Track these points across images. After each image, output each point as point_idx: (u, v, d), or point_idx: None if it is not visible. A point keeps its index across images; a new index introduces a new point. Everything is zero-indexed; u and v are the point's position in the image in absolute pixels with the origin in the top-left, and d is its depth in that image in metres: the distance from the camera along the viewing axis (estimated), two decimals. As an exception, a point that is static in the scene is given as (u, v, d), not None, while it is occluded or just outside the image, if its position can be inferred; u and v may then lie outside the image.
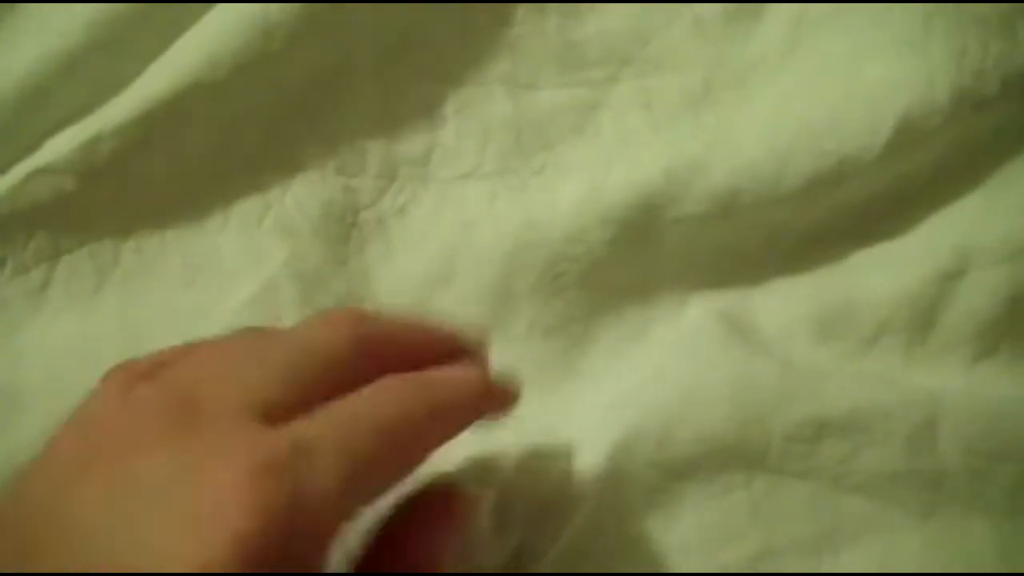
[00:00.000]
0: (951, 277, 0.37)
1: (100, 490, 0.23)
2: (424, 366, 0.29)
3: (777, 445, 0.34)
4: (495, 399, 0.31)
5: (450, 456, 0.36)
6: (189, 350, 0.28)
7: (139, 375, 0.26)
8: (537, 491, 0.35)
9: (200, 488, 0.23)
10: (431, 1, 0.40)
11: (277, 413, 0.25)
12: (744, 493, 0.34)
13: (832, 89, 0.39)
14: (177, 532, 0.22)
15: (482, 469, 0.35)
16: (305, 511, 0.23)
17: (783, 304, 0.38)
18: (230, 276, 0.38)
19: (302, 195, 0.39)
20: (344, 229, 0.39)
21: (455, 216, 0.39)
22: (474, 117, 0.40)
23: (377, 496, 0.26)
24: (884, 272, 0.38)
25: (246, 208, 0.39)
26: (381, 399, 0.28)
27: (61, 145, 0.37)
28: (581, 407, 0.37)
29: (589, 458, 0.34)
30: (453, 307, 0.38)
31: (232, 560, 0.22)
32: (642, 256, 0.38)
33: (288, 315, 0.37)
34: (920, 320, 0.37)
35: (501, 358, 0.37)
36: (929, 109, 0.37)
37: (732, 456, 0.34)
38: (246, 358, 0.27)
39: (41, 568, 0.23)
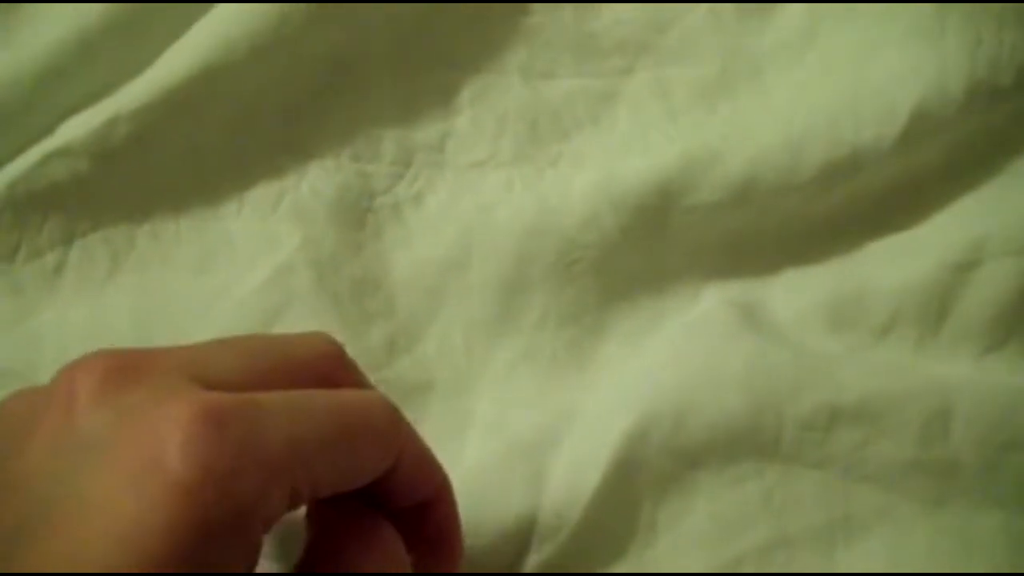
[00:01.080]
0: (964, 268, 0.37)
1: (44, 446, 0.23)
2: None
3: (790, 433, 0.34)
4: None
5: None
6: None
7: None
8: (550, 479, 0.35)
9: (140, 437, 0.22)
10: (447, -12, 0.40)
11: (228, 388, 0.24)
12: (757, 482, 0.34)
13: (847, 79, 0.39)
14: (115, 483, 0.21)
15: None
16: (247, 470, 0.22)
17: (796, 294, 0.38)
18: (244, 261, 0.38)
19: (317, 181, 0.39)
20: (359, 215, 0.39)
21: (470, 203, 0.39)
22: (490, 105, 0.40)
23: (322, 487, 0.25)
24: (897, 262, 0.38)
25: (261, 193, 0.39)
26: (344, 392, 0.27)
27: (77, 127, 0.37)
28: (594, 395, 0.37)
29: (602, 446, 0.34)
30: (467, 295, 0.38)
31: (169, 514, 0.21)
32: (656, 244, 0.38)
33: (302, 300, 0.37)
34: (933, 310, 0.37)
35: (515, 347, 0.37)
36: (943, 99, 0.37)
37: (745, 444, 0.34)
38: (210, 344, 0.26)
39: None
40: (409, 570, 0.28)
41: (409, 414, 0.28)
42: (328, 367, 0.28)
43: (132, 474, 0.22)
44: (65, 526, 0.21)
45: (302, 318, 0.37)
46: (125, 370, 0.24)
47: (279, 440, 0.23)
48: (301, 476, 0.24)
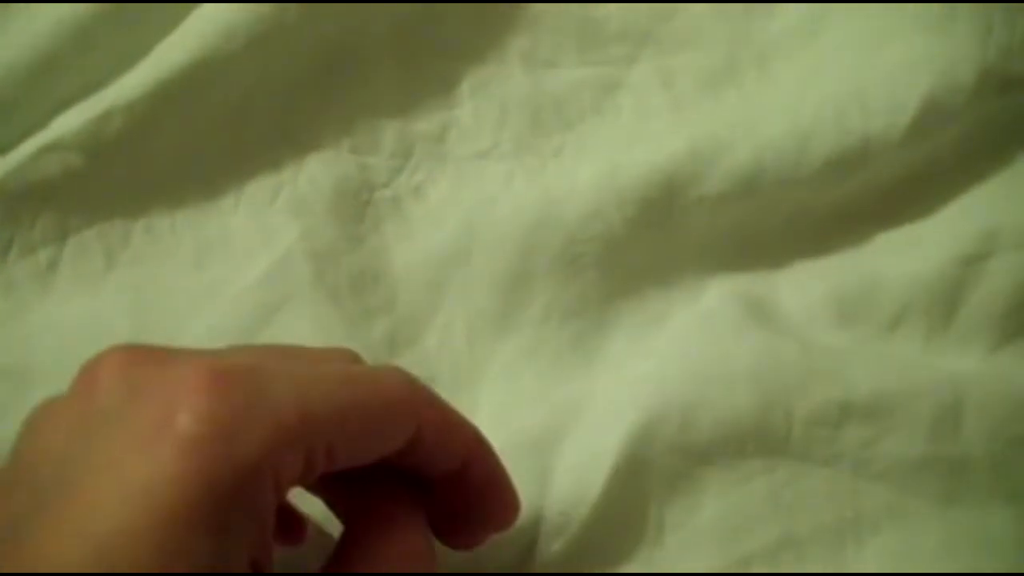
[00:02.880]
0: (974, 260, 0.36)
1: (63, 427, 0.23)
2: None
3: (799, 430, 0.34)
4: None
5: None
6: None
7: None
8: (556, 476, 0.34)
9: (151, 403, 0.22)
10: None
11: None
12: (765, 479, 0.34)
13: (855, 68, 0.38)
14: (126, 448, 0.22)
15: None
16: (255, 426, 0.22)
17: (804, 287, 0.38)
18: (242, 255, 0.37)
19: (316, 173, 0.38)
20: (359, 207, 0.38)
21: (472, 195, 0.39)
22: (491, 95, 0.40)
23: (339, 457, 0.25)
24: (907, 255, 0.37)
25: (259, 186, 0.38)
26: (356, 365, 0.28)
27: (71, 121, 0.37)
28: (600, 391, 0.36)
29: (609, 442, 0.34)
30: (469, 289, 0.37)
31: (176, 468, 0.21)
32: (662, 237, 0.38)
33: (301, 295, 0.36)
34: (942, 304, 0.36)
35: (518, 342, 0.37)
36: (954, 89, 0.37)
37: (753, 441, 0.34)
38: (238, 345, 0.27)
39: (7, 507, 0.22)
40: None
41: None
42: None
43: (142, 435, 0.22)
44: (78, 494, 0.21)
45: (301, 313, 0.36)
46: (143, 355, 0.24)
47: (289, 402, 0.23)
48: (315, 442, 0.24)
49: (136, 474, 0.21)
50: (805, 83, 0.39)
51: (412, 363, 0.36)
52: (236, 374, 0.23)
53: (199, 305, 0.36)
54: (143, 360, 0.24)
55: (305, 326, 0.36)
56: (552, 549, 0.33)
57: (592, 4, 0.40)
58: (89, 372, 0.24)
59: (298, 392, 0.24)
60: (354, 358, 0.29)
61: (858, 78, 0.38)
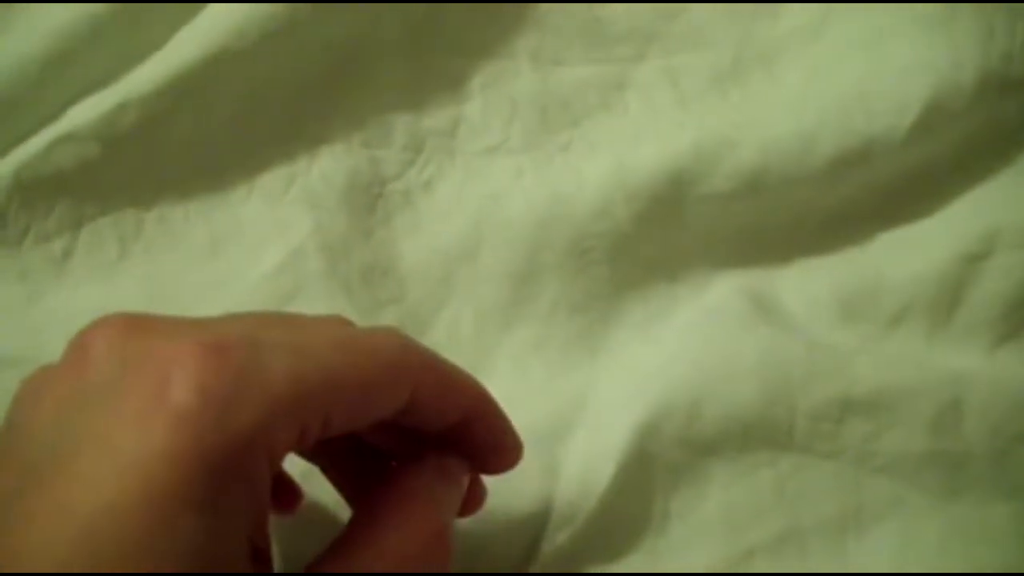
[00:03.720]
0: (976, 259, 0.37)
1: (55, 400, 0.23)
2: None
3: (802, 424, 0.34)
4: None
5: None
6: None
7: None
8: (564, 469, 0.34)
9: (144, 376, 0.22)
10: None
11: None
12: (769, 472, 0.34)
13: (859, 69, 0.39)
14: (119, 421, 0.21)
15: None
16: (248, 398, 0.22)
17: (808, 284, 0.38)
18: (255, 247, 0.38)
19: (328, 167, 0.39)
20: (370, 200, 0.39)
21: (481, 190, 0.39)
22: (500, 92, 0.40)
23: (334, 423, 0.24)
24: (909, 253, 0.38)
25: (271, 179, 0.39)
26: (351, 327, 0.27)
27: (86, 112, 0.37)
28: (606, 385, 0.36)
29: (616, 435, 0.34)
30: (477, 282, 0.38)
31: (169, 441, 0.21)
32: (668, 233, 0.38)
33: (313, 285, 0.37)
34: (944, 302, 0.37)
35: (526, 335, 0.37)
36: (956, 91, 0.38)
37: (758, 434, 0.34)
38: (228, 314, 0.26)
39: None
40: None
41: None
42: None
43: (134, 410, 0.21)
44: (68, 470, 0.21)
45: (313, 304, 0.36)
46: (137, 326, 0.24)
47: (282, 372, 0.23)
48: (309, 411, 0.23)
49: (128, 449, 0.21)
50: (809, 83, 0.39)
51: (420, 355, 0.37)
52: (227, 346, 0.22)
53: (211, 295, 0.37)
54: (134, 332, 0.24)
55: (315, 317, 0.36)
56: (559, 539, 0.33)
57: (599, 4, 0.41)
58: (80, 344, 0.24)
59: (291, 361, 0.23)
60: (347, 323, 0.28)
61: (862, 79, 0.38)
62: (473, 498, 0.30)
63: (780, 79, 0.40)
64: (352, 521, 0.26)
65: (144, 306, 0.36)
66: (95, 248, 0.37)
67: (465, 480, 0.29)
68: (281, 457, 0.24)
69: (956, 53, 0.38)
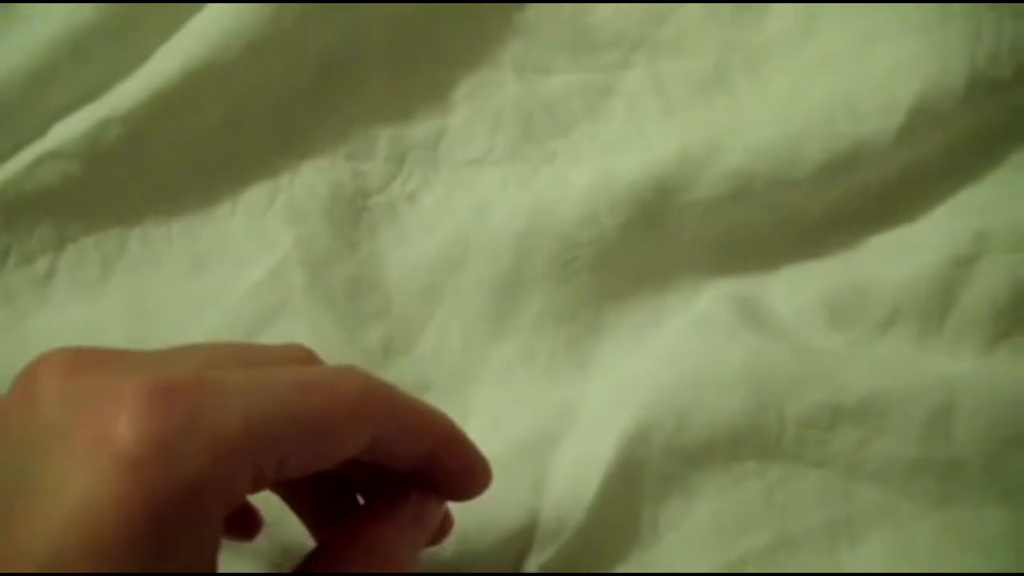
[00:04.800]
0: (965, 262, 0.36)
1: (1, 437, 0.22)
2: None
3: (791, 432, 0.34)
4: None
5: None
6: None
7: None
8: (551, 481, 0.34)
9: (91, 418, 0.21)
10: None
11: None
12: (758, 481, 0.34)
13: (846, 72, 0.39)
14: (66, 465, 0.21)
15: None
16: (198, 444, 0.21)
17: (796, 289, 0.38)
18: (238, 262, 0.38)
19: (311, 180, 0.39)
20: (354, 213, 0.39)
21: (466, 201, 0.39)
22: (485, 102, 0.40)
23: (290, 467, 0.24)
24: (898, 257, 0.37)
25: (254, 194, 0.39)
26: (310, 368, 0.26)
27: (69, 129, 0.37)
28: (594, 394, 0.36)
29: (603, 446, 0.34)
30: (463, 294, 0.38)
31: (116, 488, 0.20)
32: (654, 241, 0.38)
33: (297, 300, 0.37)
34: (935, 305, 0.36)
35: (513, 347, 0.37)
36: (943, 93, 0.37)
37: (746, 443, 0.34)
38: (175, 347, 0.26)
39: None
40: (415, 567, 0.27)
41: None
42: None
43: (81, 454, 0.21)
44: (14, 512, 0.21)
45: (297, 319, 0.36)
46: (83, 362, 0.23)
47: (234, 415, 0.22)
48: (263, 455, 0.23)
49: (75, 493, 0.20)
50: (796, 87, 0.39)
51: (407, 368, 0.37)
52: (176, 388, 0.22)
53: (196, 312, 0.37)
54: (81, 368, 0.23)
55: (301, 332, 0.36)
56: (547, 553, 0.33)
57: (584, 10, 0.41)
58: (25, 382, 0.23)
59: (244, 402, 0.22)
60: (308, 358, 0.28)
61: (848, 82, 0.38)
62: (441, 528, 0.30)
63: (766, 84, 0.40)
64: (310, 560, 0.26)
65: (128, 325, 0.37)
66: (78, 267, 0.37)
67: (436, 521, 0.28)
68: (236, 500, 0.23)
69: (943, 55, 0.37)
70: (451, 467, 0.28)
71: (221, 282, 0.37)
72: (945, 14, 0.38)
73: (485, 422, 0.36)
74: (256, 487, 0.23)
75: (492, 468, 0.29)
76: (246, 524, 0.30)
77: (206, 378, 0.22)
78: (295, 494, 0.30)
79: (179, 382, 0.22)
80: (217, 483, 0.22)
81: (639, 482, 0.34)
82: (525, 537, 0.33)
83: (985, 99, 0.37)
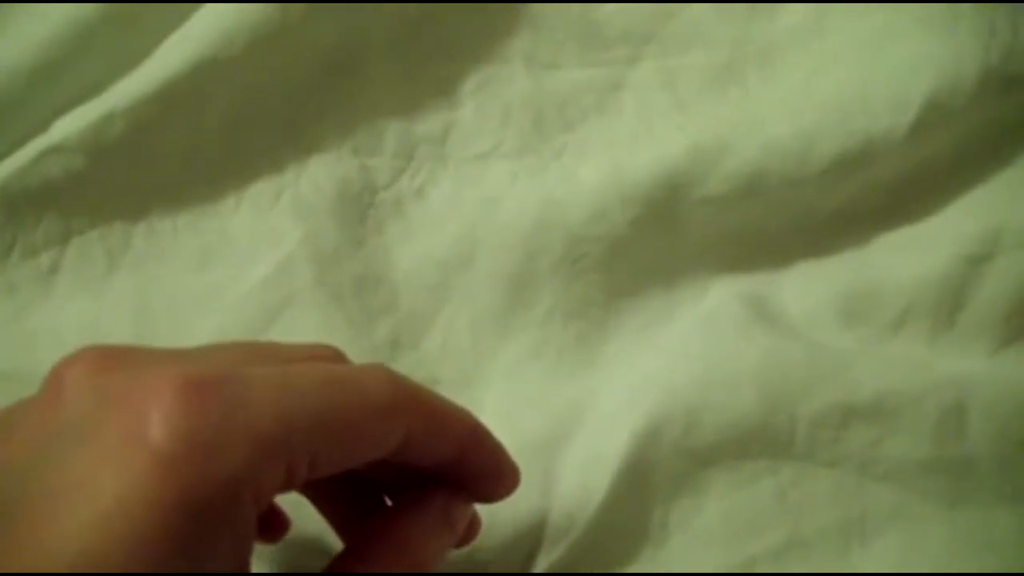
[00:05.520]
0: (978, 261, 0.36)
1: (29, 436, 0.22)
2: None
3: (803, 431, 0.34)
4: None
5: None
6: None
7: None
8: (561, 479, 0.34)
9: (122, 414, 0.21)
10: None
11: None
12: (770, 481, 0.34)
13: (858, 68, 0.38)
14: (96, 462, 0.20)
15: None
16: (233, 441, 0.21)
17: (808, 288, 0.37)
18: (244, 257, 0.37)
19: (318, 175, 0.38)
20: (361, 209, 0.38)
21: (474, 197, 0.38)
22: (493, 96, 0.40)
23: (321, 465, 0.23)
24: (910, 255, 0.37)
25: (261, 189, 0.38)
26: (340, 366, 0.26)
27: (73, 123, 0.37)
28: (604, 392, 0.36)
29: (613, 445, 0.34)
30: (472, 290, 0.37)
31: (152, 488, 0.20)
32: (665, 238, 0.37)
33: (303, 297, 0.36)
34: (947, 304, 0.36)
35: (522, 343, 0.37)
36: (956, 89, 0.37)
37: (758, 443, 0.34)
38: (204, 345, 0.25)
39: None
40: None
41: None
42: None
43: (114, 451, 0.20)
44: (43, 510, 0.20)
45: (304, 315, 0.36)
46: (112, 358, 0.23)
47: (268, 412, 0.22)
48: (295, 452, 0.22)
49: (107, 492, 0.20)
50: (808, 83, 0.39)
51: (415, 365, 0.36)
52: (211, 383, 0.22)
53: (201, 308, 0.36)
54: (112, 365, 0.23)
55: (308, 328, 0.36)
56: (557, 551, 0.33)
57: (593, 5, 0.40)
58: (55, 379, 0.23)
59: (277, 399, 0.22)
60: (336, 356, 0.28)
61: (861, 78, 0.38)
62: (469, 530, 0.29)
63: (778, 79, 0.40)
64: (339, 560, 0.26)
65: (133, 320, 0.36)
66: (83, 262, 0.37)
67: (464, 522, 0.28)
68: (267, 499, 0.23)
69: (957, 50, 0.37)
70: (478, 467, 0.28)
71: (227, 277, 0.37)
72: (958, 10, 0.38)
73: (494, 419, 0.35)
74: (287, 486, 0.23)
75: (520, 470, 0.29)
76: (273, 525, 0.30)
77: (238, 374, 0.22)
78: (321, 494, 0.29)
79: (212, 378, 0.22)
80: (252, 481, 0.21)
81: (649, 481, 0.34)
82: (535, 535, 0.33)
83: (998, 96, 0.37)
